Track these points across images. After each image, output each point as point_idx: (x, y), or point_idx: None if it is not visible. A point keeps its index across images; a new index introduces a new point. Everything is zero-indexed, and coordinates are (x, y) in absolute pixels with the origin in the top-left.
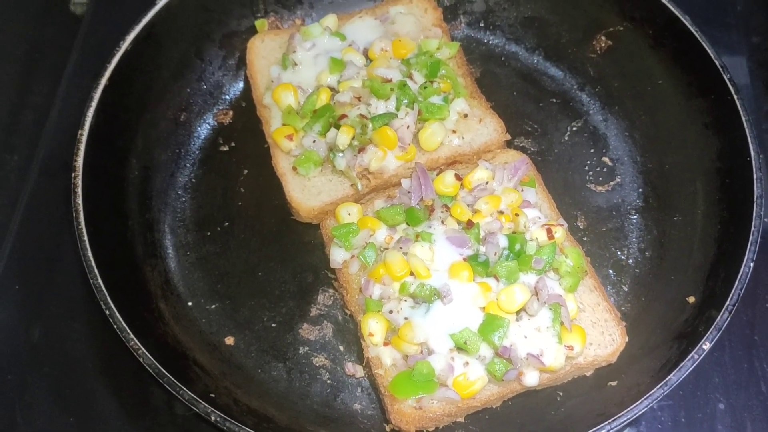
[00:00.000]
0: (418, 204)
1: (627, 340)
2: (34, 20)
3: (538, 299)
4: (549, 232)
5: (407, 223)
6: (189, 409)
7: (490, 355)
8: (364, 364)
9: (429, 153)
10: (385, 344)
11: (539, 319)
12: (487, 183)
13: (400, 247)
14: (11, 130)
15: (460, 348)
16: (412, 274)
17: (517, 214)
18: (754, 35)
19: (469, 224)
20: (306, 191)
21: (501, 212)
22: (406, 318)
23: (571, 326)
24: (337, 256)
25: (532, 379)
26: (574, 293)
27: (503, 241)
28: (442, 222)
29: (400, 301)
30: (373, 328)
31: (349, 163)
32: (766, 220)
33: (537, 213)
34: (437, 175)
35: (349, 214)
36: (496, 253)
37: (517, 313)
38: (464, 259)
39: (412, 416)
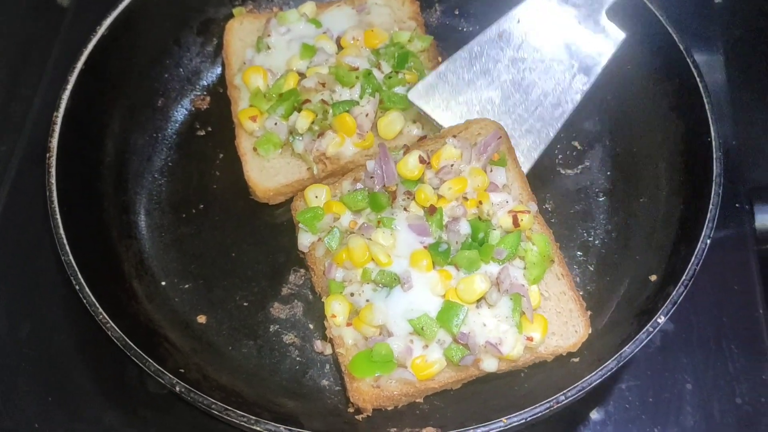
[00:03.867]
0: (381, 189)
1: (590, 331)
2: (24, 13)
3: (498, 289)
4: (515, 218)
5: (370, 209)
6: (162, 387)
7: (449, 340)
8: (328, 341)
9: (387, 141)
10: (348, 325)
11: (499, 309)
12: (452, 165)
13: (363, 234)
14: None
15: (418, 333)
16: (374, 260)
17: (481, 201)
18: (736, 28)
19: (431, 210)
20: (264, 172)
21: (466, 197)
22: (367, 300)
23: (533, 316)
24: (304, 239)
25: (490, 365)
26: (538, 282)
27: (466, 228)
28: (405, 209)
29: (362, 285)
30: (336, 309)
31: (307, 147)
32: (747, 207)
33: (505, 196)
34: (403, 154)
35: (317, 197)
36: (457, 241)
37: (477, 301)
38: (425, 248)
39: (370, 395)
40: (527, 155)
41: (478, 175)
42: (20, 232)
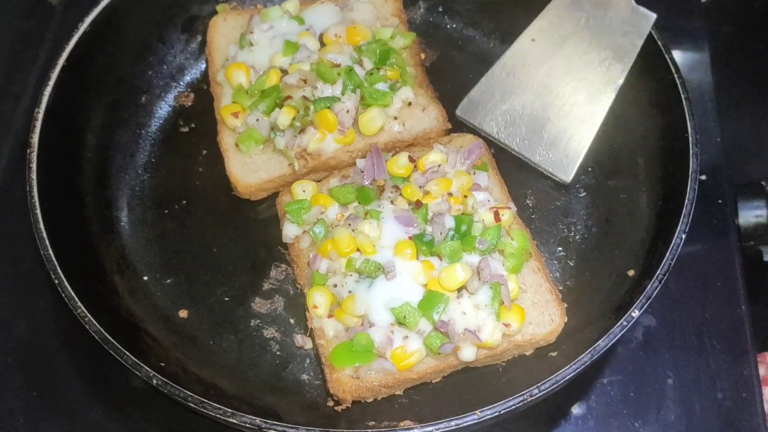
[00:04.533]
0: (370, 184)
1: (566, 320)
2: (14, 11)
3: (479, 278)
4: (496, 214)
5: (358, 202)
6: (146, 382)
7: (429, 330)
8: (308, 334)
9: (368, 137)
10: (329, 316)
11: (479, 297)
12: (439, 166)
13: (349, 224)
14: None
15: (401, 322)
16: (358, 250)
17: (465, 196)
18: (724, 25)
19: (418, 204)
20: (245, 168)
21: (450, 194)
22: (349, 291)
23: (511, 305)
24: (289, 231)
25: (469, 354)
26: (517, 274)
27: (450, 222)
28: (392, 202)
29: (345, 276)
30: (318, 300)
31: (288, 143)
32: (730, 203)
33: (487, 196)
34: (392, 156)
35: (304, 191)
36: (441, 233)
37: (458, 290)
38: (410, 238)
39: (350, 386)
40: (571, 160)
41: (462, 176)
42: (7, 229)
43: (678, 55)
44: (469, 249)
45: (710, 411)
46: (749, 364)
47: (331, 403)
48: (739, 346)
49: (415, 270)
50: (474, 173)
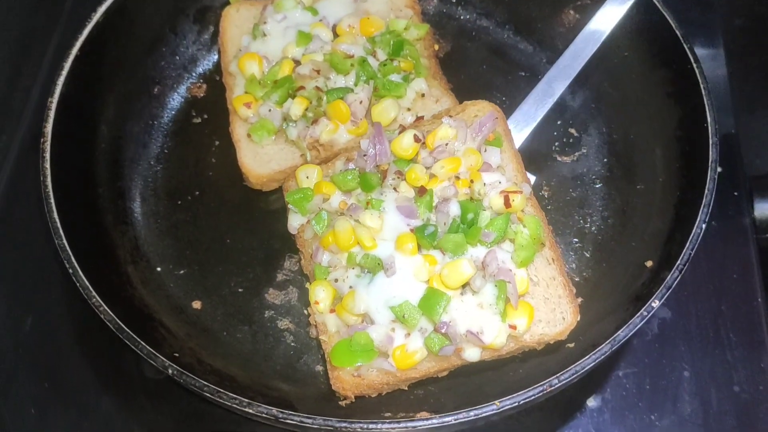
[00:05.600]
0: (373, 169)
1: (578, 318)
2: (25, 5)
3: (484, 275)
4: (507, 199)
5: (361, 189)
6: (158, 373)
7: (431, 329)
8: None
9: None
10: (331, 311)
11: (483, 295)
12: (446, 144)
13: (351, 215)
14: (2, 112)
15: (401, 322)
16: (359, 244)
17: (473, 180)
18: (736, 17)
19: (422, 191)
20: (258, 158)
21: (458, 177)
22: (350, 287)
23: (518, 303)
24: (294, 221)
25: (472, 355)
26: (527, 267)
27: (455, 209)
28: (395, 189)
29: (346, 270)
30: (320, 296)
31: (301, 134)
32: (746, 196)
33: (498, 177)
34: (398, 134)
35: (308, 177)
36: (446, 223)
37: (462, 287)
38: (411, 231)
39: (351, 383)
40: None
41: (472, 154)
42: (18, 221)
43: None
44: (474, 242)
45: (727, 404)
46: (767, 356)
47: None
48: (756, 339)
49: (416, 266)
50: (485, 150)
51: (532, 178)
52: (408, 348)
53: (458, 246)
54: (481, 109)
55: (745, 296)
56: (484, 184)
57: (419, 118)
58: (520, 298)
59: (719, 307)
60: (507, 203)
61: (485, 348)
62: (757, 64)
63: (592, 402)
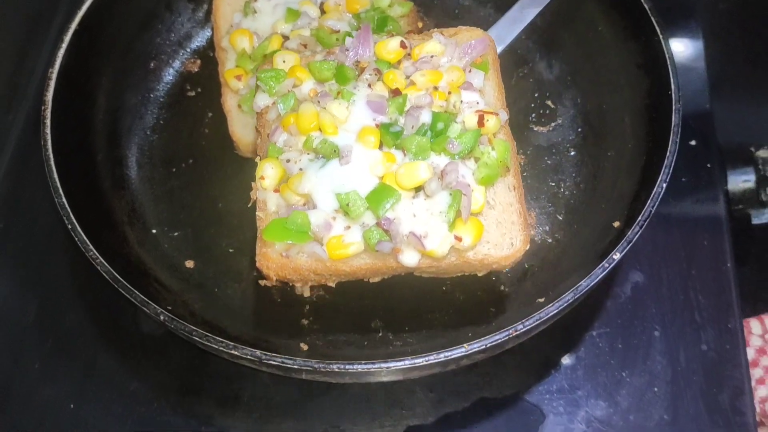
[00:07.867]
0: (353, 65)
1: (528, 248)
2: None
3: (441, 181)
4: (481, 118)
5: (335, 80)
6: (155, 328)
7: (372, 224)
8: (249, 204)
9: None
10: (275, 191)
11: (435, 202)
12: (432, 57)
13: (318, 101)
14: (8, 92)
15: (344, 211)
16: (320, 129)
17: (451, 92)
18: (720, 1)
19: (396, 92)
20: (247, 128)
21: (436, 89)
22: (300, 169)
23: (469, 219)
24: (260, 100)
25: (410, 258)
26: (486, 187)
27: (426, 117)
28: (370, 85)
29: (301, 153)
30: (268, 172)
31: None
32: (719, 168)
33: (477, 97)
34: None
35: (284, 62)
36: (413, 127)
37: (415, 190)
38: (377, 126)
39: (276, 262)
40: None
41: (455, 71)
42: (24, 193)
43: (673, 29)
44: (439, 150)
45: (695, 362)
46: (734, 318)
47: (255, 273)
48: (724, 301)
49: (373, 160)
50: (470, 71)
51: None
52: (345, 239)
53: (421, 148)
54: (474, 36)
55: (715, 261)
56: (462, 101)
57: (409, 32)
58: (472, 215)
59: (690, 271)
60: (480, 122)
61: (425, 254)
62: (737, 45)
63: (566, 360)
